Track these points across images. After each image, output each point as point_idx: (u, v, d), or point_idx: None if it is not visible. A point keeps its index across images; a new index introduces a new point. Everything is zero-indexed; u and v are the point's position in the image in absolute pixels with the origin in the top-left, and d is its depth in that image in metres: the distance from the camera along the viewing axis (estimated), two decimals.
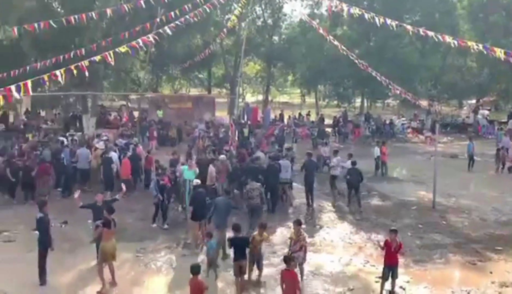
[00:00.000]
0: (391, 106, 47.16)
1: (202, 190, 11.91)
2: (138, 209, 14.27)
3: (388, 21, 14.79)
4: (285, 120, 30.60)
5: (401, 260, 9.72)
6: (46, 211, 9.71)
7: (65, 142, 18.24)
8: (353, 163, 15.08)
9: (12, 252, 10.93)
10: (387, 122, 31.07)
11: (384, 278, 9.18)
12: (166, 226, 12.78)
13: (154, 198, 12.93)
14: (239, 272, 9.23)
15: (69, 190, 15.45)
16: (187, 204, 12.89)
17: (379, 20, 14.92)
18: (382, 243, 9.54)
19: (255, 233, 9.76)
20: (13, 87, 11.52)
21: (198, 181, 12.40)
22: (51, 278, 9.52)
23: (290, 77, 43.51)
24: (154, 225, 12.86)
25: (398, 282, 9.38)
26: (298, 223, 9.74)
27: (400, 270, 9.50)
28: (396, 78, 22.16)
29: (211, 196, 12.25)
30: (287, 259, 8.28)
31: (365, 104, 38.94)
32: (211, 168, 14.01)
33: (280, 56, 36.86)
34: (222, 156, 15.36)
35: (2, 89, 11.56)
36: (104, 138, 19.19)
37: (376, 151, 19.13)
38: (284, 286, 8.07)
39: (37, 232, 9.62)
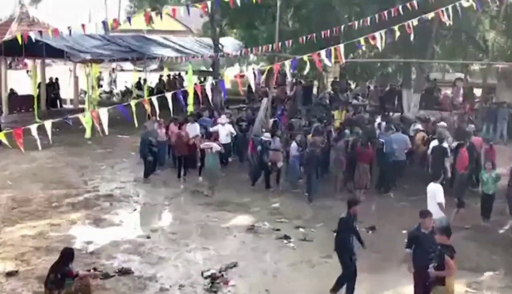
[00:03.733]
0: None
1: None
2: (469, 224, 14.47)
3: None
4: None
5: None
6: (353, 212, 10.73)
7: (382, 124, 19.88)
8: None
9: (308, 254, 12.61)
10: None
11: None
12: None
13: None
14: None
15: (386, 186, 17.14)
16: None
17: None
18: None
19: None
20: (323, 52, 13.06)
21: None
22: None
23: None
24: None
25: None
26: None
27: None
28: None
29: None
30: None
31: None
32: None
33: None
34: None
35: (310, 54, 13.34)
36: (441, 123, 19.73)
37: None
38: None
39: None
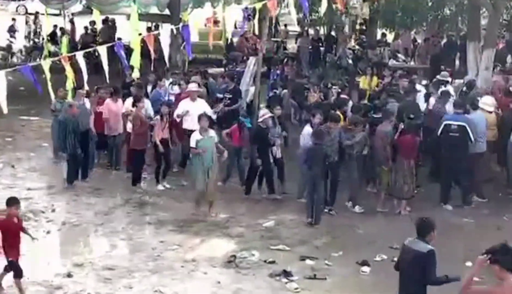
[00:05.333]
0: None
1: None
2: None
3: None
4: None
5: None
6: (430, 240, 10.39)
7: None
8: None
9: None
10: None
11: None
12: None
13: None
14: None
15: (446, 193, 17.22)
16: None
17: None
18: None
19: None
20: None
21: None
22: None
23: None
24: None
25: None
26: None
27: None
28: None
29: None
30: None
31: None
32: None
33: None
34: None
35: None
36: None
37: None
38: None
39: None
